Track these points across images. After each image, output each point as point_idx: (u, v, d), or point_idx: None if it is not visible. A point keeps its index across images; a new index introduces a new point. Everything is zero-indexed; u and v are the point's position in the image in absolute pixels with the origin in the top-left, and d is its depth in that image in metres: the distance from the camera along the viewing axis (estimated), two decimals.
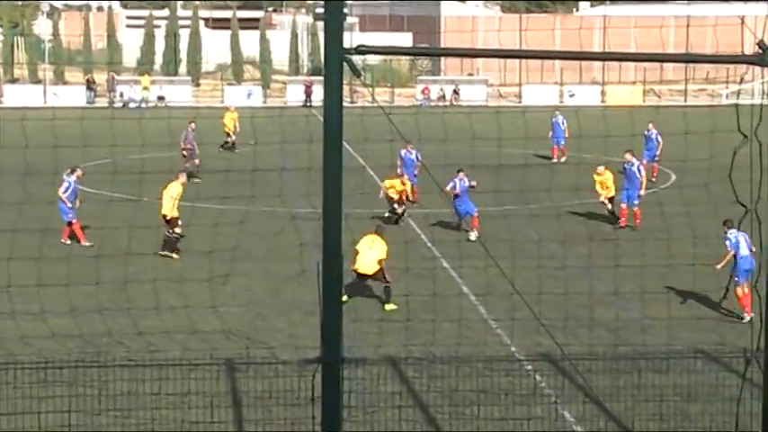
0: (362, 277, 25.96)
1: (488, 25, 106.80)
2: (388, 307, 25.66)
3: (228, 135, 55.94)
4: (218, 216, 31.84)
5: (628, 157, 37.71)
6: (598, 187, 36.78)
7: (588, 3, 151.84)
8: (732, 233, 25.05)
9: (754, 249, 24.46)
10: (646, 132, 47.50)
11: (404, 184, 35.62)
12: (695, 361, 20.54)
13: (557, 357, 21.95)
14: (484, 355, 21.24)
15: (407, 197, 36.07)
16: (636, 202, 36.28)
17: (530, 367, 21.73)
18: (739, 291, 24.64)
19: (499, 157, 39.03)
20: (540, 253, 30.08)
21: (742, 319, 24.34)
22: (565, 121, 53.80)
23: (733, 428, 11.61)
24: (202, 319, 23.79)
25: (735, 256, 25.05)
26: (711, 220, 27.69)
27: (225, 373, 20.46)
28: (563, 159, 52.69)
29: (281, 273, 26.81)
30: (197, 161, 43.83)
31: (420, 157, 39.29)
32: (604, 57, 21.91)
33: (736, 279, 24.82)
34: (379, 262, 25.97)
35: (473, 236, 33.41)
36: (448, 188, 33.29)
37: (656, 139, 47.27)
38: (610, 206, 37.16)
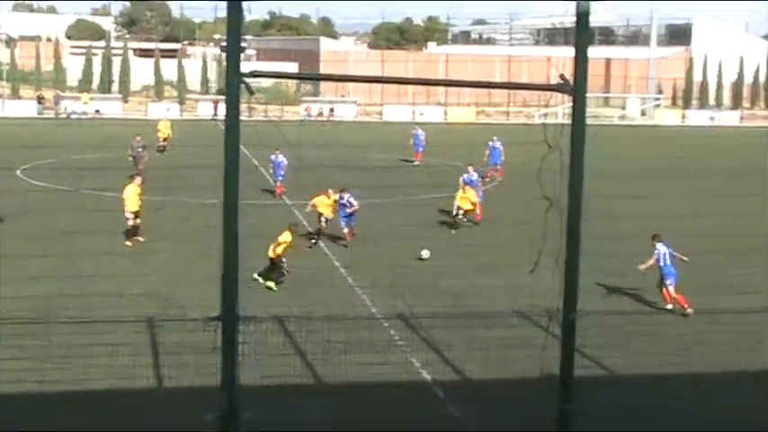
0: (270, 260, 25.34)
1: (358, 58, 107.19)
2: (269, 284, 24.68)
3: (163, 140, 54.78)
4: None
5: (470, 169, 36.88)
6: (459, 200, 34.23)
7: (435, 43, 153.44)
8: (660, 246, 23.90)
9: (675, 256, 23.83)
10: (490, 143, 47.53)
11: (329, 197, 31.35)
12: (513, 319, 20.85)
13: (407, 316, 22.11)
14: (350, 315, 21.31)
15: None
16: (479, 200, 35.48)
17: (386, 324, 21.83)
18: (672, 291, 23.35)
19: (366, 160, 39.21)
20: (396, 235, 30.32)
21: (686, 315, 22.85)
22: (423, 133, 54.49)
23: (539, 371, 11.80)
24: (129, 285, 23.51)
25: (660, 266, 23.66)
26: (528, 211, 27.99)
27: (146, 329, 20.26)
28: (416, 162, 53.10)
29: (193, 250, 26.55)
30: (141, 166, 42.78)
31: (287, 161, 38.83)
32: (446, 83, 22.10)
33: (668, 282, 23.43)
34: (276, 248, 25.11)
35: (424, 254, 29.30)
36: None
37: (500, 148, 47.20)
38: (460, 215, 34.12)
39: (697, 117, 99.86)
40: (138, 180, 31.21)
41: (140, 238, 29.70)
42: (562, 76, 9.68)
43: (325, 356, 18.53)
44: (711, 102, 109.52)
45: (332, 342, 18.80)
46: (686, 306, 23.03)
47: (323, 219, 30.90)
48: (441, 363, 19.29)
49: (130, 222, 29.82)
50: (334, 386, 17.63)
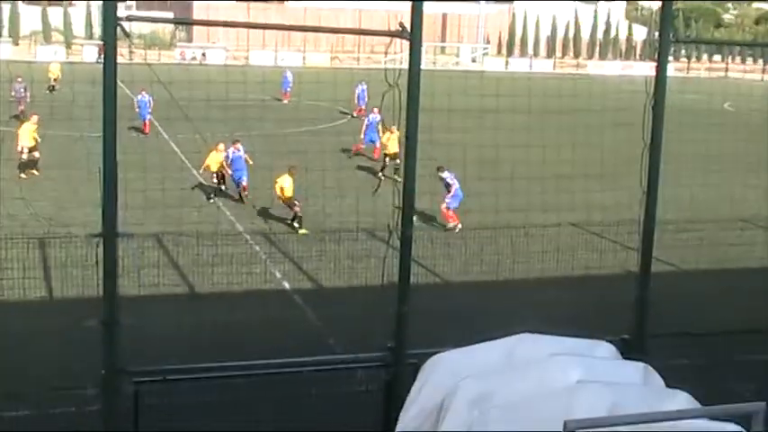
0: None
1: (226, 9, 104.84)
2: (301, 231, 23.14)
3: (54, 80, 53.34)
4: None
5: (375, 111, 33.39)
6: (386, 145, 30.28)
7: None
8: (446, 173, 24.58)
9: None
10: (359, 85, 47.05)
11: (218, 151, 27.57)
12: (360, 234, 20.99)
13: (268, 233, 22.02)
14: (220, 233, 21.11)
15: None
16: None
17: (250, 240, 21.71)
18: (449, 212, 24.12)
19: (227, 99, 38.55)
20: (260, 165, 29.96)
21: (455, 229, 23.62)
22: (291, 75, 55.02)
23: (381, 280, 11.91)
24: (19, 209, 22.72)
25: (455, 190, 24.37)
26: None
27: (36, 247, 19.65)
28: (285, 102, 52.98)
29: (77, 177, 25.65)
30: (23, 107, 40.89)
31: (152, 100, 37.69)
32: (304, 29, 21.90)
33: (448, 202, 24.17)
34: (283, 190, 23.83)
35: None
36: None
37: (364, 89, 46.67)
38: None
39: (518, 64, 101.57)
40: (34, 119, 30.15)
41: (36, 172, 28.70)
42: (401, 24, 9.69)
43: (197, 269, 18.36)
44: (530, 52, 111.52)
45: (203, 256, 18.64)
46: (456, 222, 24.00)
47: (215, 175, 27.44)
48: (298, 273, 19.34)
49: (24, 156, 28.82)
50: (206, 294, 17.49)
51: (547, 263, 19.52)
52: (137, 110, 37.95)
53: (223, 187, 27.20)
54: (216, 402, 11.20)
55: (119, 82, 9.83)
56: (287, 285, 18.58)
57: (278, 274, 19.18)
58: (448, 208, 24.29)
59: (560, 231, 21.95)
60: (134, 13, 13.84)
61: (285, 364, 12.81)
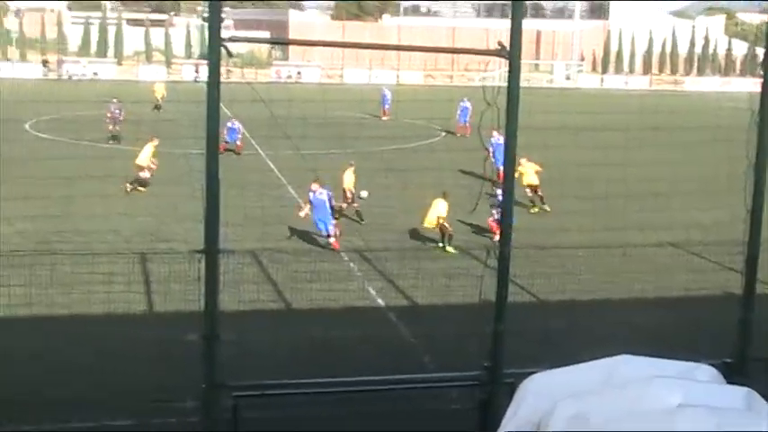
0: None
1: (321, 28, 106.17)
2: (449, 250, 22.74)
3: (160, 98, 54.35)
4: (133, 155, 31.08)
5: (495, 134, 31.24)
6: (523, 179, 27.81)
7: (388, 15, 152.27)
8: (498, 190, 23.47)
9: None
10: (461, 103, 46.55)
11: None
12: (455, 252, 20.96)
13: (364, 250, 22.14)
14: (315, 249, 21.29)
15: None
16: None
17: (346, 258, 21.84)
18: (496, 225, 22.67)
19: (325, 117, 38.99)
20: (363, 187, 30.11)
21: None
22: (390, 93, 55.11)
23: (478, 298, 11.85)
24: (123, 224, 23.32)
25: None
26: (469, 160, 28.18)
27: (139, 261, 20.12)
28: (384, 118, 53.21)
29: (179, 193, 26.22)
30: (118, 127, 41.63)
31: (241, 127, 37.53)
32: (395, 48, 21.93)
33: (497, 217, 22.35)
34: (438, 218, 23.03)
35: (363, 193, 27.28)
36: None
37: (469, 107, 45.75)
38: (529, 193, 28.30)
39: (613, 81, 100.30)
40: (155, 141, 30.70)
41: (142, 189, 29.18)
42: (500, 43, 9.67)
43: (294, 285, 18.54)
44: (625, 68, 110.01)
45: (299, 273, 18.82)
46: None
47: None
48: (393, 290, 19.36)
49: (142, 174, 29.47)
50: (302, 310, 17.65)
51: (645, 283, 19.15)
52: (225, 137, 37.53)
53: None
54: (312, 417, 11.28)
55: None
56: (382, 302, 18.62)
57: (373, 291, 19.24)
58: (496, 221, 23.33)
59: (658, 251, 21.55)
60: (236, 34, 14.10)
61: (380, 381, 12.85)
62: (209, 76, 10.00)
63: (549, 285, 19.18)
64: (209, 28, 9.85)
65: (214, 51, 9.80)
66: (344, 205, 26.06)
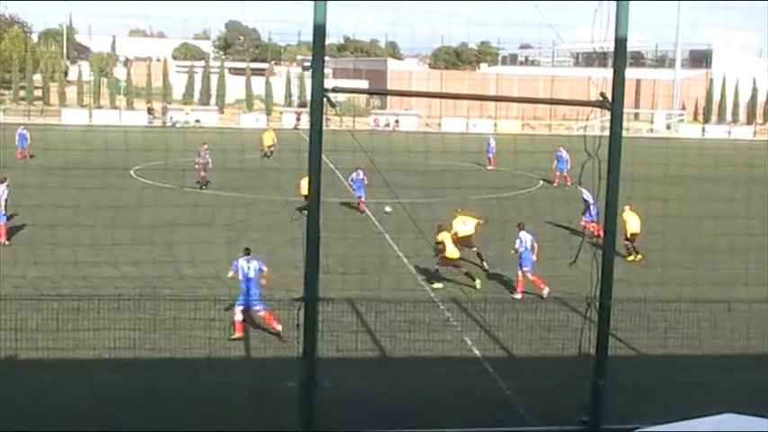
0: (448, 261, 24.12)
1: (419, 77, 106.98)
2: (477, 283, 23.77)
3: (268, 147, 54.41)
4: (233, 201, 31.70)
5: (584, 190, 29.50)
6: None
7: (486, 65, 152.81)
8: (522, 233, 23.29)
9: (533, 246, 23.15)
10: (557, 153, 46.64)
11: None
12: (553, 304, 20.70)
13: (460, 300, 22.06)
14: (412, 298, 21.28)
15: None
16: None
17: (442, 307, 21.80)
18: (530, 276, 23.03)
19: (426, 165, 39.13)
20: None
21: (542, 297, 22.42)
22: (494, 142, 55.38)
23: (577, 350, 11.71)
24: (224, 269, 23.69)
25: (521, 252, 23.07)
26: (569, 209, 27.85)
27: None
28: (489, 168, 53.69)
29: (278, 239, 26.55)
30: (205, 173, 42.11)
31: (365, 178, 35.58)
32: (495, 99, 21.76)
33: (525, 269, 23.02)
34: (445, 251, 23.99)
35: (387, 208, 30.70)
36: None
37: (566, 157, 45.91)
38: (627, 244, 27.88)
39: (715, 131, 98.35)
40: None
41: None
42: (602, 94, 9.63)
43: (391, 334, 18.56)
44: (728, 118, 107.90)
45: (396, 321, 18.83)
46: (542, 287, 22.66)
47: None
48: (490, 341, 19.21)
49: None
50: (399, 359, 17.66)
51: (752, 339, 18.59)
52: (352, 189, 36.81)
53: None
54: None
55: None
56: (478, 353, 18.49)
57: (469, 342, 19.13)
58: (525, 272, 23.13)
59: (764, 307, 20.91)
60: (336, 83, 14.39)
61: None
62: (311, 125, 10.22)
63: (650, 339, 18.79)
64: (312, 77, 10.08)
65: (316, 101, 10.00)
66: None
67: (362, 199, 35.97)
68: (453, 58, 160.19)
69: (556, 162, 46.53)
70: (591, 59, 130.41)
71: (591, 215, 28.71)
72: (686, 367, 17.45)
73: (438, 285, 23.90)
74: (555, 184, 45.57)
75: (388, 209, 27.28)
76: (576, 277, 13.35)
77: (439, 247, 24.64)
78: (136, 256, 23.96)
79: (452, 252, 24.06)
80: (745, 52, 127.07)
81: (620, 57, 9.32)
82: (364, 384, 15.38)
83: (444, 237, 24.28)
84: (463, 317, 21.06)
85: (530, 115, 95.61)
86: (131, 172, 44.55)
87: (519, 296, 22.84)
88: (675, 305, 20.47)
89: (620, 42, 9.20)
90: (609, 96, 9.40)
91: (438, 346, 18.02)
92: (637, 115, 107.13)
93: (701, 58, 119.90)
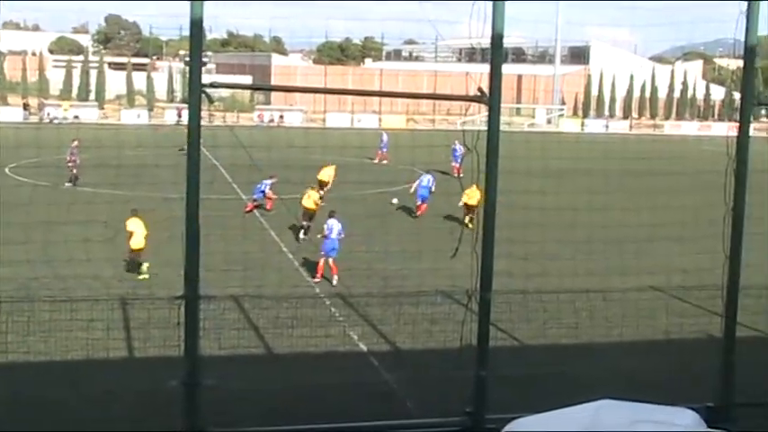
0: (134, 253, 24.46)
1: (304, 72, 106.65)
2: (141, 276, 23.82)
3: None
4: (112, 198, 31.04)
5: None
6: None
7: (371, 60, 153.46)
8: (330, 221, 24.40)
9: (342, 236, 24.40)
10: (452, 146, 47.18)
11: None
12: (437, 297, 20.92)
13: (346, 295, 22.10)
14: (297, 294, 21.24)
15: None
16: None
17: (328, 302, 21.80)
18: (330, 262, 23.95)
19: (307, 160, 39.05)
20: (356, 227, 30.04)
21: (332, 284, 23.56)
22: (386, 136, 55.44)
23: (458, 342, 11.85)
24: (102, 269, 23.19)
25: (326, 237, 24.12)
26: (449, 205, 28.13)
27: (119, 306, 20.01)
28: (384, 162, 53.98)
29: (158, 237, 26.12)
30: (75, 170, 40.89)
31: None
32: (382, 94, 21.83)
33: (323, 253, 24.02)
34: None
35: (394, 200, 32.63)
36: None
37: (460, 149, 45.09)
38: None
39: (594, 125, 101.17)
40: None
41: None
42: (480, 89, 9.76)
43: (276, 330, 18.46)
44: (606, 112, 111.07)
45: (281, 318, 18.75)
46: (334, 275, 23.86)
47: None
48: (375, 335, 19.31)
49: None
50: (284, 356, 17.56)
51: (627, 327, 19.17)
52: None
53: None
54: None
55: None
56: (364, 347, 18.57)
57: (355, 336, 19.19)
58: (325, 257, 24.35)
59: (640, 295, 21.61)
60: (218, 78, 14.19)
61: (363, 428, 12.79)
62: (190, 121, 10.07)
63: (531, 330, 19.18)
64: (190, 74, 9.93)
65: (194, 97, 9.86)
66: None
67: (255, 201, 35.08)
68: (338, 53, 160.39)
69: (452, 155, 47.55)
70: (473, 55, 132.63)
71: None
72: (566, 356, 17.90)
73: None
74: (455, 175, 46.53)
75: (395, 200, 27.75)
76: (459, 270, 13.55)
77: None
78: (10, 255, 23.20)
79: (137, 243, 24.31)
80: (620, 49, 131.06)
81: (496, 53, 9.46)
82: (250, 382, 15.26)
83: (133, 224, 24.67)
84: (348, 312, 21.10)
85: (414, 110, 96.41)
86: (6, 170, 43.17)
87: (317, 280, 23.99)
88: (555, 296, 21.00)
89: (497, 39, 9.34)
90: (486, 91, 9.53)
91: (324, 342, 18.01)
92: (518, 110, 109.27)
93: (579, 55, 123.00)
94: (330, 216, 24.98)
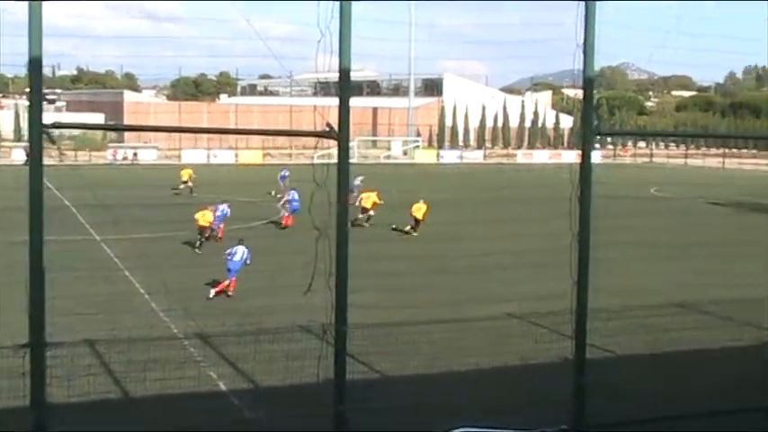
0: None
1: (158, 109, 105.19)
2: None
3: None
4: None
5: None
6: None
7: (226, 95, 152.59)
8: (238, 247, 26.63)
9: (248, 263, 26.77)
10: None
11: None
12: (296, 333, 20.78)
13: (205, 335, 21.72)
14: (153, 336, 20.75)
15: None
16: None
17: (186, 343, 21.36)
18: (227, 284, 26.15)
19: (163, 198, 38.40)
20: (184, 263, 29.65)
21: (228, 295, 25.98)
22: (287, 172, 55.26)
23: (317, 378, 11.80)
24: None
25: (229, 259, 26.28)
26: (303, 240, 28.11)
27: None
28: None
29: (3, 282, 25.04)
30: None
31: None
32: (228, 131, 21.53)
33: (230, 276, 26.11)
34: None
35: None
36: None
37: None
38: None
39: (449, 156, 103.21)
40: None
41: None
42: (328, 124, 9.79)
43: (131, 374, 17.95)
44: (460, 143, 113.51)
45: (138, 361, 18.25)
46: (230, 291, 26.09)
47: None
48: (235, 374, 19.01)
49: None
50: (141, 400, 17.09)
51: (483, 356, 19.48)
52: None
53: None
54: None
55: (48, 184, 9.75)
56: (224, 387, 18.27)
57: (214, 376, 18.85)
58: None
59: (497, 323, 22.02)
60: (61, 118, 13.79)
61: None
62: (31, 162, 9.74)
63: (391, 362, 19.26)
64: (30, 113, 9.62)
65: (35, 137, 9.55)
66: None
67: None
68: (192, 88, 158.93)
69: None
70: (328, 89, 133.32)
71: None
72: (425, 386, 18.04)
73: None
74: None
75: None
76: (315, 304, 13.52)
77: None
78: None
79: None
80: (472, 81, 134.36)
81: (344, 87, 9.53)
82: (103, 429, 14.78)
83: None
84: (208, 351, 20.72)
85: (270, 145, 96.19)
86: None
87: (213, 293, 25.88)
88: (415, 327, 21.19)
89: (344, 73, 9.42)
90: (336, 126, 9.57)
91: (182, 384, 17.61)
92: (375, 143, 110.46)
93: (433, 87, 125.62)
94: (239, 242, 27.04)
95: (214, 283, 26.39)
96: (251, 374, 18.81)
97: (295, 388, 17.34)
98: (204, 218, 33.98)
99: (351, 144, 9.93)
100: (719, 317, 22.99)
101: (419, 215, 36.83)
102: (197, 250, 33.64)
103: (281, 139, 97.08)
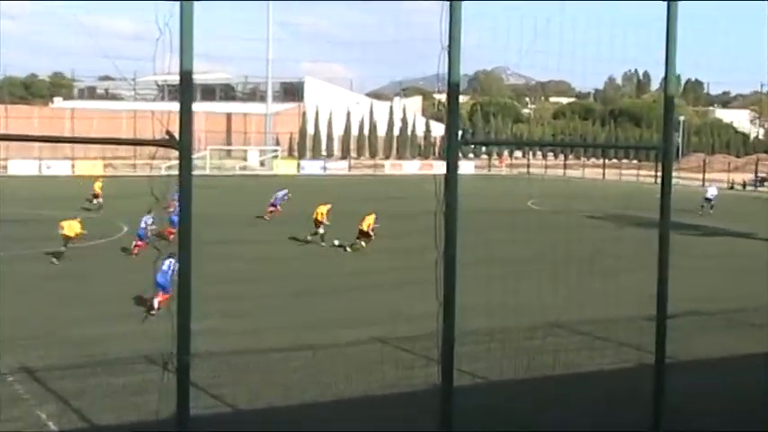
0: None
1: None
2: None
3: None
4: None
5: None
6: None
7: (61, 98, 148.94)
8: (168, 260, 25.17)
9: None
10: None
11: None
12: (138, 365, 20.40)
13: (33, 369, 21.08)
14: None
15: None
16: None
17: (11, 379, 20.67)
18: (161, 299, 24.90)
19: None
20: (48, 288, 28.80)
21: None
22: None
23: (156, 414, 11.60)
24: None
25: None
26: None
27: None
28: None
29: None
30: None
31: None
32: (72, 140, 21.07)
33: (162, 292, 24.87)
34: None
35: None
36: None
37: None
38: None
39: (311, 166, 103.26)
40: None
41: None
42: (168, 132, 9.62)
43: None
44: (323, 152, 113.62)
45: None
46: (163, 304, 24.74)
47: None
48: (70, 412, 18.50)
49: None
50: None
51: (348, 384, 19.53)
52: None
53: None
54: None
55: None
56: (54, 428, 17.75)
57: (44, 416, 18.30)
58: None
59: (362, 349, 22.12)
60: None
61: None
62: None
63: (249, 393, 19.10)
64: None
65: None
66: None
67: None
68: (21, 90, 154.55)
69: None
70: (175, 93, 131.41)
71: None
72: (284, 419, 17.96)
73: None
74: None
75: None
76: (156, 332, 13.24)
77: None
78: None
79: None
80: (336, 85, 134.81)
81: (186, 90, 9.41)
82: None
83: None
84: (37, 388, 20.10)
85: (112, 155, 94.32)
86: None
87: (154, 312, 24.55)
88: (272, 355, 21.11)
89: (186, 74, 9.31)
90: (176, 134, 9.42)
91: (5, 427, 17.05)
92: (229, 152, 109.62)
93: (293, 91, 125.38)
94: (169, 256, 25.42)
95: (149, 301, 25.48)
96: (87, 412, 18.36)
97: (135, 425, 17.03)
98: (71, 228, 34.25)
99: (202, 153, 9.84)
100: (595, 337, 23.70)
101: (364, 226, 38.10)
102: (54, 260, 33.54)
103: (125, 149, 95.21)
